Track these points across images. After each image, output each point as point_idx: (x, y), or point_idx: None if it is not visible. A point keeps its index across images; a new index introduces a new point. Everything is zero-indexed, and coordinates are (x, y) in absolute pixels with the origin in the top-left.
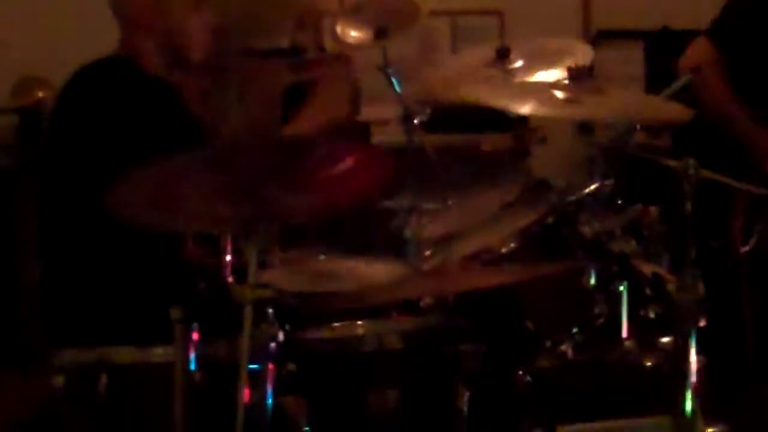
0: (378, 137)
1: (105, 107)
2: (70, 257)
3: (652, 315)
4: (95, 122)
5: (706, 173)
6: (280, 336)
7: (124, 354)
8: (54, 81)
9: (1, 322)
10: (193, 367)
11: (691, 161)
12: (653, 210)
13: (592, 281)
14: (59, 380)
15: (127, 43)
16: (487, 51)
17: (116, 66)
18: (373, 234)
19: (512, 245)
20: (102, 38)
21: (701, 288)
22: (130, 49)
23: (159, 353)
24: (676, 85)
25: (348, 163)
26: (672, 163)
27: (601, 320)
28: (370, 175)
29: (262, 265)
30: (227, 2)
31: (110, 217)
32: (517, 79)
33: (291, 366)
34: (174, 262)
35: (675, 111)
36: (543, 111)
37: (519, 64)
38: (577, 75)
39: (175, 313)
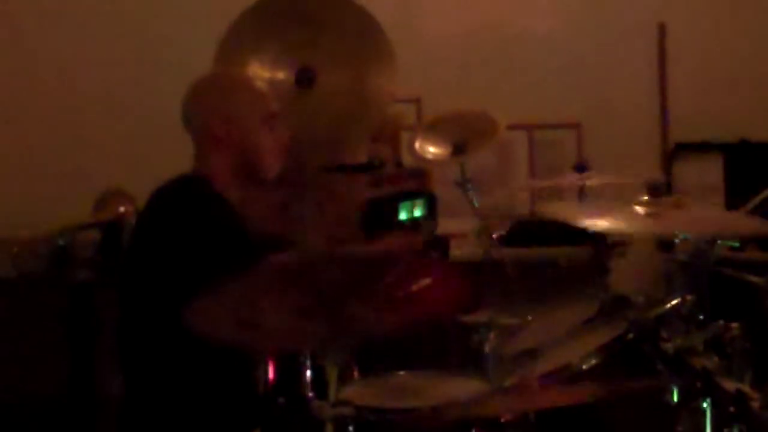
0: (456, 252)
1: (178, 227)
2: (149, 372)
3: None
4: (172, 241)
5: None
6: None
7: None
8: (136, 195)
9: None
10: None
11: None
12: (735, 326)
13: (675, 398)
14: None
15: (201, 158)
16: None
17: (190, 186)
18: (452, 350)
19: (593, 362)
20: (182, 152)
21: None
22: (204, 165)
23: None
24: (758, 198)
25: (426, 279)
26: (754, 278)
27: None
28: (448, 291)
29: (342, 381)
30: (302, 119)
31: (190, 333)
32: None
33: None
34: (254, 377)
35: (755, 225)
36: (622, 227)
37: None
38: (654, 190)
39: None
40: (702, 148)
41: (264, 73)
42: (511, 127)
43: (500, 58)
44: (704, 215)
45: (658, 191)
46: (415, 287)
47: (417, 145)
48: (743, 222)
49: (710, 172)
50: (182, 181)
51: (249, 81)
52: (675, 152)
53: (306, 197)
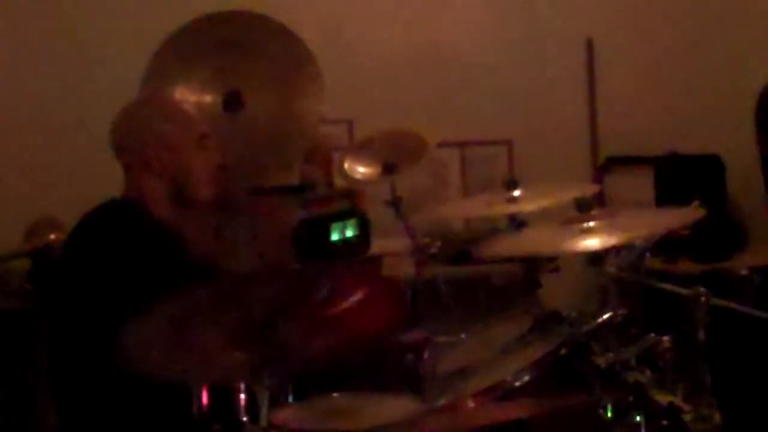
0: (389, 270)
1: (109, 253)
2: (82, 402)
3: None
4: (101, 268)
5: (717, 301)
6: None
7: None
8: (66, 222)
9: None
10: None
11: (702, 290)
12: (666, 339)
13: (609, 412)
14: None
15: (131, 183)
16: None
17: (121, 210)
18: (385, 370)
19: (526, 378)
20: (113, 178)
21: (717, 417)
22: (136, 190)
23: None
24: (687, 210)
25: (358, 298)
26: (683, 291)
27: None
28: (381, 310)
29: (276, 405)
30: (233, 142)
31: (121, 361)
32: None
33: None
34: (187, 404)
35: (683, 216)
36: (556, 246)
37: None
38: (583, 205)
39: None
40: (632, 161)
41: (191, 97)
42: (443, 145)
43: (431, 78)
44: (633, 223)
45: (587, 207)
46: (346, 306)
47: (346, 165)
48: (671, 219)
49: (641, 184)
50: (113, 206)
51: (177, 104)
52: (606, 166)
53: (238, 220)
